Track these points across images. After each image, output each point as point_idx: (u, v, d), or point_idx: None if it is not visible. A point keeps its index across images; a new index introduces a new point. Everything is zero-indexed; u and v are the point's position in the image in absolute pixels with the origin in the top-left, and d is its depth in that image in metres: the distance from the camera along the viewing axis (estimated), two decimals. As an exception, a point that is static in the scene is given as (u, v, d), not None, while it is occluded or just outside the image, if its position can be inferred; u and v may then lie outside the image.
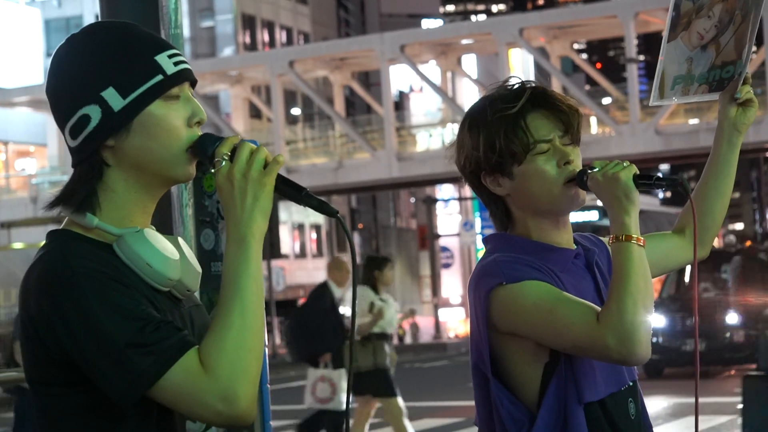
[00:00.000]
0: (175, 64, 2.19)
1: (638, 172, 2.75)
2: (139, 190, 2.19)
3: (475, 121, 2.78)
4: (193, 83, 2.25)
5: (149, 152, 2.16)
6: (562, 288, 2.67)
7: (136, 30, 2.25)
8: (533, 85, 2.77)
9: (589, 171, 2.74)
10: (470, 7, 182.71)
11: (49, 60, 2.21)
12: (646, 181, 2.72)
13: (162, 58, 2.18)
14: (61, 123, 2.20)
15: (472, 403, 2.79)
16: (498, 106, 2.75)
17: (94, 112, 2.15)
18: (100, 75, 2.16)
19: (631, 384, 2.80)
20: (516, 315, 2.63)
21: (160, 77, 2.16)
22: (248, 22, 68.09)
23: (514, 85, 2.79)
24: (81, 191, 2.18)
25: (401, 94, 72.46)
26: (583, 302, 2.61)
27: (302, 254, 62.18)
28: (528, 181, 2.72)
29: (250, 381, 2.04)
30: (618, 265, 2.61)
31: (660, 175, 2.77)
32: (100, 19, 3.90)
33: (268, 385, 3.61)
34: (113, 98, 2.15)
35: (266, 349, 3.66)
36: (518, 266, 2.67)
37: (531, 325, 2.62)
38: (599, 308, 2.60)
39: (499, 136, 2.72)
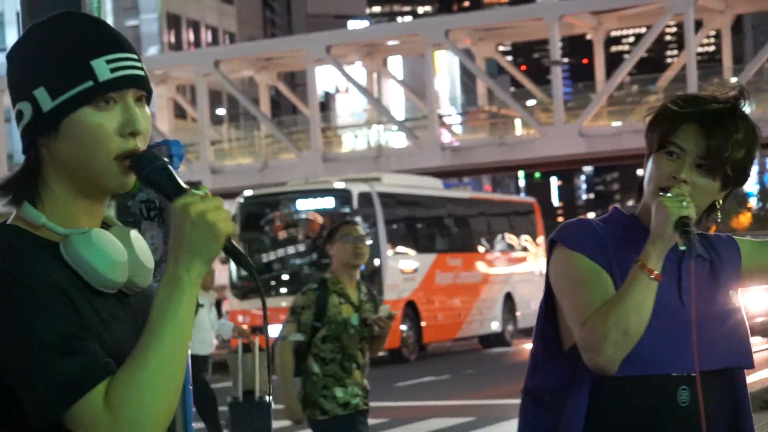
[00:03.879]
0: (114, 70, 2.09)
1: (691, 218, 2.81)
2: (77, 193, 2.13)
3: (659, 109, 3.00)
4: (147, 91, 2.15)
5: (76, 159, 2.10)
6: (621, 274, 2.82)
7: (82, 28, 2.14)
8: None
9: (663, 194, 2.84)
10: (396, 8, 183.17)
11: None
12: (686, 229, 2.80)
13: (99, 63, 2.09)
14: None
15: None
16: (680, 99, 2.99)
17: (26, 109, 2.12)
18: (35, 72, 2.11)
19: (692, 375, 2.84)
20: (552, 275, 2.90)
21: (90, 83, 2.08)
22: (173, 22, 67.69)
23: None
24: (22, 183, 2.14)
25: (327, 95, 72.45)
26: (599, 300, 2.78)
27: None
28: (650, 171, 2.93)
29: (156, 428, 1.92)
30: (625, 287, 2.77)
31: (696, 234, 2.84)
32: (20, 17, 3.85)
33: (191, 387, 3.60)
34: (43, 98, 2.10)
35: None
36: (583, 236, 2.86)
37: (558, 290, 2.89)
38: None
39: (658, 118, 2.95)
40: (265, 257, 24.94)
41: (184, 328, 1.98)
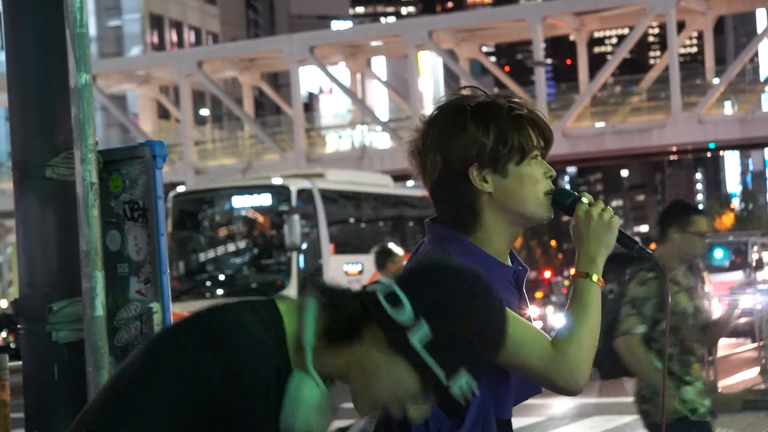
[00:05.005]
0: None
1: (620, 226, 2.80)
2: None
3: (484, 114, 2.75)
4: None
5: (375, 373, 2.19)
6: None
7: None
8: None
9: (583, 200, 2.77)
10: (380, 9, 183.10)
11: None
12: (626, 241, 2.78)
13: (462, 379, 2.22)
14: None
15: None
16: (512, 104, 2.78)
17: (406, 315, 2.15)
18: (448, 325, 2.17)
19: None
20: None
21: (440, 377, 2.17)
22: (156, 22, 67.55)
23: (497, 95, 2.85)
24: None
25: (310, 96, 72.37)
26: (534, 326, 2.70)
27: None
28: (522, 181, 2.74)
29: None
30: (581, 300, 2.70)
31: (639, 243, 2.80)
32: (2, 18, 3.84)
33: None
34: (420, 332, 2.14)
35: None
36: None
37: None
38: (548, 338, 2.68)
39: (513, 131, 2.74)
40: (200, 257, 23.50)
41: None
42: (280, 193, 23.28)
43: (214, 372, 2.06)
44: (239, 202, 23.84)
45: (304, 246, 22.84)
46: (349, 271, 24.60)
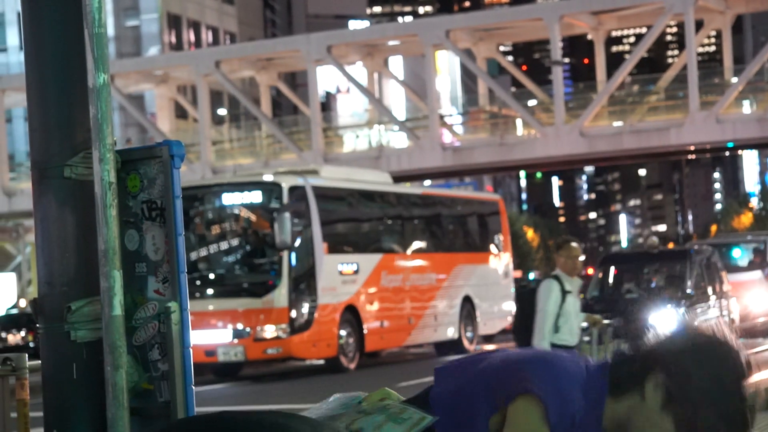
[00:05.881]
0: None
1: None
2: None
3: (723, 366, 2.65)
4: None
5: None
6: None
7: None
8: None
9: None
10: (397, 8, 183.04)
11: None
12: None
13: None
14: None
15: None
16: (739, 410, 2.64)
17: None
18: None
19: None
20: (511, 425, 2.77)
21: None
22: (174, 22, 67.67)
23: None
24: None
25: (328, 95, 72.43)
26: None
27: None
28: (663, 426, 2.69)
29: None
30: None
31: None
32: (21, 18, 3.85)
33: (191, 349, 3.63)
34: None
35: (189, 314, 3.64)
36: (557, 398, 2.76)
37: None
38: None
39: (715, 424, 2.63)
40: (189, 256, 22.42)
41: None
42: (272, 191, 22.70)
43: None
44: (229, 199, 23.17)
45: (297, 244, 22.29)
46: (344, 270, 23.92)
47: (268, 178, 23.37)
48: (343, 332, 23.46)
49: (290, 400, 17.75)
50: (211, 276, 23.01)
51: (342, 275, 23.82)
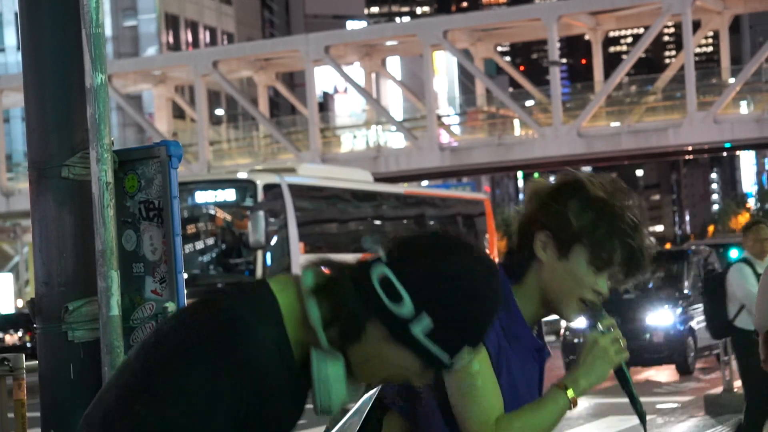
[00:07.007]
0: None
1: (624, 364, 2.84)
2: None
3: (596, 203, 2.77)
4: None
5: (374, 362, 2.19)
6: (510, 369, 2.77)
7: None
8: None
9: (598, 326, 2.79)
10: (395, 8, 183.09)
11: None
12: (621, 379, 2.84)
13: (463, 353, 2.18)
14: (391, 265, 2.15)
15: None
16: (630, 226, 2.76)
17: (406, 309, 2.12)
18: (449, 316, 2.12)
19: None
20: None
21: (445, 359, 2.16)
22: (172, 22, 67.65)
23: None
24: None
25: (325, 95, 72.44)
26: (499, 397, 2.73)
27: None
28: (571, 274, 2.77)
29: None
30: (546, 404, 2.75)
31: (635, 392, 2.87)
32: (19, 18, 3.85)
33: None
34: (422, 324, 2.12)
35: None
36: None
37: (450, 377, 2.71)
38: (502, 410, 2.72)
39: (603, 231, 2.75)
40: None
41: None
42: (246, 188, 22.33)
43: (229, 382, 2.06)
44: (204, 197, 22.75)
45: (272, 244, 21.92)
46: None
47: (242, 175, 23.06)
48: None
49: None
50: (184, 275, 22.63)
51: None
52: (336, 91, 73.72)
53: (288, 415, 2.18)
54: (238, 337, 2.07)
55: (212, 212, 22.64)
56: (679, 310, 19.82)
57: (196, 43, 68.96)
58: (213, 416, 2.05)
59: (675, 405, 14.63)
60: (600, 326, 2.79)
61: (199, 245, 22.68)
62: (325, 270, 2.21)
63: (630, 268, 2.77)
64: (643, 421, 2.88)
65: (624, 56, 56.78)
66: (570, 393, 2.73)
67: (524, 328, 2.80)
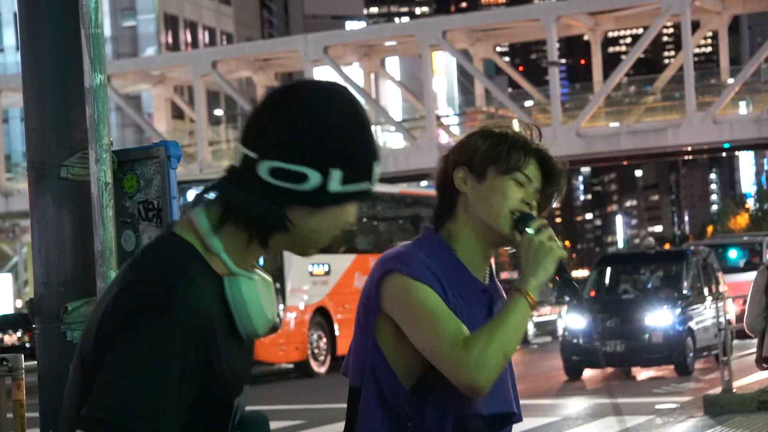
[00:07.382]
0: (375, 178, 2.25)
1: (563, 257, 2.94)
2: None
3: (496, 132, 3.04)
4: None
5: (317, 233, 2.19)
6: (456, 311, 2.84)
7: (369, 125, 2.24)
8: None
9: (528, 229, 2.89)
10: (394, 9, 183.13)
11: None
12: (563, 273, 2.90)
13: (376, 167, 2.23)
14: (269, 154, 2.14)
15: None
16: (523, 136, 3.03)
17: (314, 178, 2.13)
18: (335, 150, 2.14)
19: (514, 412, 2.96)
20: (394, 303, 2.82)
21: (367, 185, 2.19)
22: (171, 22, 67.66)
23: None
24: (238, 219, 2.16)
25: (325, 96, 72.39)
26: (460, 323, 2.79)
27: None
28: (493, 190, 2.92)
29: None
30: (507, 311, 2.81)
31: (573, 278, 2.95)
32: (18, 19, 3.85)
33: None
34: (335, 179, 2.14)
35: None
36: (426, 272, 2.84)
37: (408, 320, 2.80)
38: (467, 331, 2.77)
39: (507, 144, 2.97)
40: None
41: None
42: None
43: (177, 340, 2.04)
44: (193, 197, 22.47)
45: None
46: (315, 271, 23.58)
47: None
48: (313, 335, 23.18)
49: (257, 405, 17.77)
50: None
51: (312, 276, 23.47)
52: (335, 91, 73.72)
53: (238, 356, 2.16)
54: (171, 293, 2.05)
55: None
56: (678, 310, 19.82)
57: (195, 44, 68.96)
58: (168, 378, 2.03)
59: (674, 405, 14.63)
60: (530, 229, 2.87)
61: None
62: (212, 195, 2.20)
63: (547, 170, 2.98)
64: (581, 303, 2.95)
65: (623, 56, 56.80)
66: (527, 294, 2.81)
67: (465, 272, 2.89)
